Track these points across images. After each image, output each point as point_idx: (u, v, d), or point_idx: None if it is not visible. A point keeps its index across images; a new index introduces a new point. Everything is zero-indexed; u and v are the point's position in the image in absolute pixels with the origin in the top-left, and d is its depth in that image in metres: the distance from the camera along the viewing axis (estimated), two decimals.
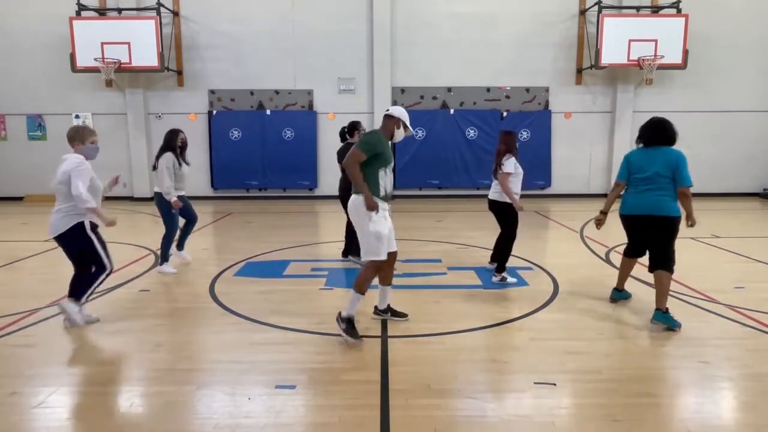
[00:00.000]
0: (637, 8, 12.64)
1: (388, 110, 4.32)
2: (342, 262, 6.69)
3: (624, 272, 5.01)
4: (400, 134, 4.30)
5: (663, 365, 3.78)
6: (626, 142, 12.69)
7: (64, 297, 4.53)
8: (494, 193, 5.74)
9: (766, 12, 12.96)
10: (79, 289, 4.43)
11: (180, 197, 6.19)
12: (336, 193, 6.76)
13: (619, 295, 5.02)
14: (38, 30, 12.82)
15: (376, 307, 4.58)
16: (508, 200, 5.59)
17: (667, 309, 4.41)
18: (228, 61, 13.11)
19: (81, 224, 4.31)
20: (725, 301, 5.01)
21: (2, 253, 7.31)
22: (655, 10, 12.64)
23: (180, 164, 6.19)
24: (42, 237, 8.17)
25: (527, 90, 13.30)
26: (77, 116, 13.08)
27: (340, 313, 4.19)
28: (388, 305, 4.54)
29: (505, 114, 13.21)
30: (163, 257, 6.22)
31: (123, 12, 12.52)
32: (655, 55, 12.06)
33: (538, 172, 13.23)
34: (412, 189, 13.46)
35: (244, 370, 3.63)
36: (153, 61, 12.16)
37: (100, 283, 4.51)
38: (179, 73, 13.10)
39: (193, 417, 3.07)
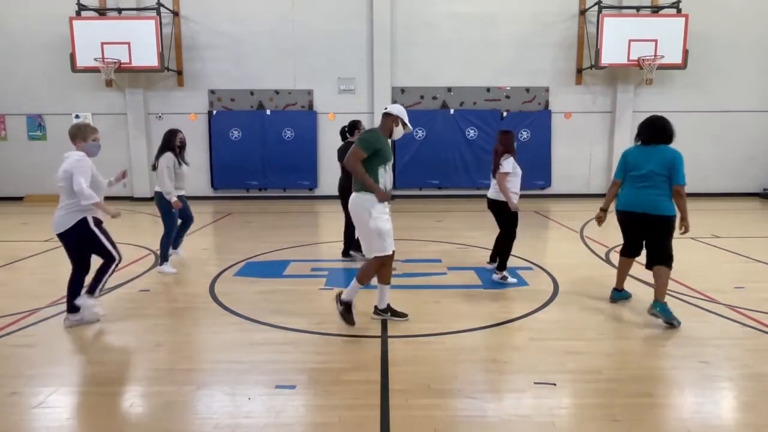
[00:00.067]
0: (637, 8, 12.64)
1: (386, 108, 4.41)
2: (342, 262, 6.69)
3: (622, 272, 5.02)
4: (399, 132, 4.38)
5: (663, 365, 3.77)
6: (626, 142, 12.67)
7: (63, 297, 4.53)
8: (493, 192, 5.75)
9: (766, 12, 12.96)
10: (93, 284, 4.53)
11: (179, 197, 6.20)
12: (336, 193, 6.78)
13: (619, 295, 5.02)
14: (38, 30, 12.82)
15: (376, 307, 4.58)
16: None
17: (664, 301, 4.45)
18: (228, 61, 13.10)
19: (84, 220, 4.35)
20: (725, 301, 5.01)
21: (2, 253, 7.31)
22: (655, 10, 12.64)
23: (180, 164, 6.20)
24: (42, 237, 8.17)
25: (527, 90, 13.30)
26: (77, 116, 13.08)
27: (339, 294, 4.37)
28: (388, 305, 4.54)
29: (505, 114, 13.21)
30: (163, 257, 6.22)
31: (123, 12, 12.51)
32: (655, 55, 12.06)
33: (538, 172, 13.23)
34: (412, 189, 13.46)
35: (244, 370, 3.63)
36: (153, 61, 12.16)
37: (111, 274, 4.58)
38: (179, 73, 13.10)
39: (193, 417, 3.07)
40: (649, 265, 4.59)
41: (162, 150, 6.13)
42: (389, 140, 4.42)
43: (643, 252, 4.80)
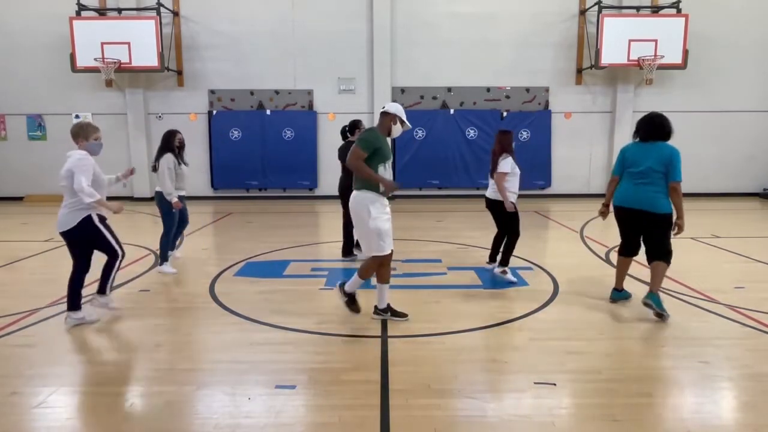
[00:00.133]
0: (637, 8, 12.63)
1: (384, 107, 4.46)
2: (342, 262, 6.69)
3: (621, 272, 5.02)
4: (397, 130, 4.42)
5: (663, 365, 3.77)
6: (626, 142, 12.45)
7: (63, 297, 4.53)
8: (491, 191, 5.78)
9: (766, 12, 12.96)
10: (101, 284, 4.62)
11: (179, 198, 6.21)
12: (336, 193, 6.78)
13: (618, 295, 5.03)
14: (38, 30, 12.81)
15: (375, 307, 4.58)
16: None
17: (658, 293, 4.54)
18: (228, 61, 13.10)
19: (89, 217, 4.39)
20: (725, 301, 5.01)
21: (2, 253, 7.31)
22: (655, 10, 12.64)
23: (179, 164, 6.21)
24: (42, 237, 8.18)
25: (527, 90, 13.30)
26: (77, 116, 13.07)
27: (342, 284, 4.51)
28: (388, 305, 4.54)
29: (505, 114, 13.21)
30: (163, 257, 6.22)
31: (123, 12, 12.51)
32: (655, 55, 12.06)
33: (538, 172, 13.23)
34: (412, 189, 13.46)
35: (244, 370, 3.63)
36: (153, 61, 12.15)
37: (117, 270, 4.63)
38: (179, 73, 13.10)
39: (193, 417, 3.07)
40: (648, 261, 4.65)
41: (162, 151, 6.14)
42: (389, 139, 4.46)
43: (643, 252, 4.81)
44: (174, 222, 6.26)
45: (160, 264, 6.23)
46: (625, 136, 12.85)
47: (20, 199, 13.36)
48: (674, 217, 4.53)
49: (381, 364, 3.68)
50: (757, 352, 3.89)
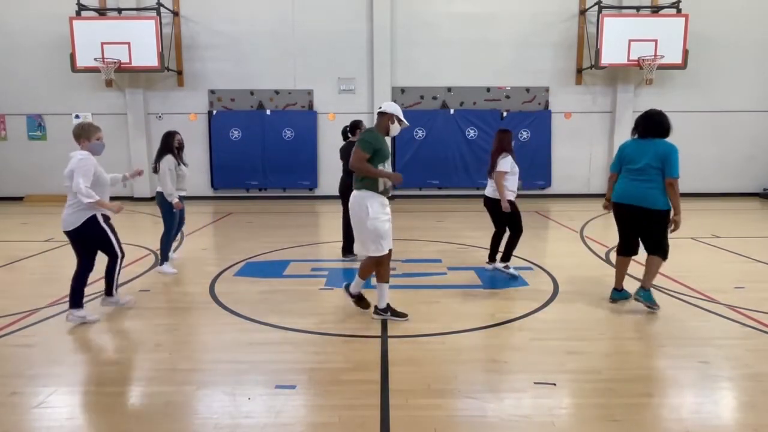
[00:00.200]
0: (637, 8, 12.63)
1: (380, 107, 4.48)
2: (342, 262, 6.69)
3: (620, 272, 5.02)
4: (395, 129, 4.45)
5: (663, 365, 3.77)
6: None
7: (63, 297, 4.53)
8: (490, 190, 5.83)
9: (766, 12, 12.96)
10: (107, 286, 4.74)
11: (179, 198, 6.22)
12: (336, 193, 6.78)
13: (618, 295, 5.02)
14: (38, 30, 12.81)
15: (375, 307, 4.59)
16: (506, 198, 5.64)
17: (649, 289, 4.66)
18: (228, 61, 13.10)
19: (94, 217, 4.42)
20: (725, 301, 5.01)
21: (2, 253, 7.30)
22: (655, 10, 12.64)
23: (179, 165, 6.23)
24: (42, 237, 8.17)
25: (527, 90, 13.30)
26: (77, 116, 13.08)
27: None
28: (388, 305, 4.55)
29: (505, 114, 13.21)
30: (163, 257, 6.23)
31: (123, 12, 12.51)
32: (655, 55, 12.06)
33: (538, 172, 13.23)
34: (412, 189, 13.45)
35: (244, 370, 3.64)
36: (153, 61, 12.15)
37: (119, 270, 4.72)
38: (179, 73, 13.10)
39: (193, 417, 3.07)
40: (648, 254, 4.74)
41: (162, 152, 6.14)
42: (387, 138, 4.48)
43: (642, 251, 4.82)
44: (175, 221, 6.28)
45: (161, 264, 6.24)
46: (625, 136, 12.71)
47: (20, 199, 13.36)
48: (672, 214, 4.55)
49: (381, 364, 3.68)
50: (757, 352, 3.89)
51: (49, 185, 12.67)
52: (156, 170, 6.14)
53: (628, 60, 12.21)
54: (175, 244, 6.86)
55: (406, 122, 4.50)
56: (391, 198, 4.51)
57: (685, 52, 12.26)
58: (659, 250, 4.64)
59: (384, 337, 4.19)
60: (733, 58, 13.07)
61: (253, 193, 13.66)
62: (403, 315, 4.55)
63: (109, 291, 4.76)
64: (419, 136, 13.21)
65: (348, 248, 6.72)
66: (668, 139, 4.56)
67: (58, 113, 13.14)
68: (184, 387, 3.39)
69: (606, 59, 12.26)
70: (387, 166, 4.40)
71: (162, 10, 12.44)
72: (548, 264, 6.48)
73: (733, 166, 13.47)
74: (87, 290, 4.60)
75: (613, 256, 6.81)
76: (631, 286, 5.23)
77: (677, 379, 3.52)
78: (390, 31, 12.84)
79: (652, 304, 4.68)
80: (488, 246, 6.23)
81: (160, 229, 6.29)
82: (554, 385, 3.37)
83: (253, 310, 4.82)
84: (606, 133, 13.45)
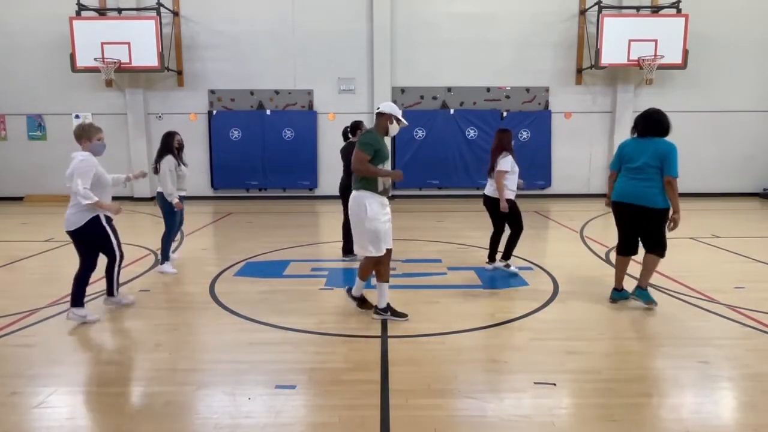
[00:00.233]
0: (637, 8, 12.63)
1: (378, 108, 4.49)
2: (342, 262, 6.69)
3: (620, 271, 5.03)
4: (394, 128, 4.47)
5: (663, 365, 3.77)
6: None
7: (63, 297, 4.54)
8: (490, 189, 5.86)
9: (766, 12, 12.96)
10: (108, 287, 4.80)
11: (180, 198, 6.22)
12: (336, 193, 6.78)
13: (618, 295, 5.03)
14: (38, 30, 12.81)
15: (376, 307, 4.59)
16: (506, 197, 5.65)
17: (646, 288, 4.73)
18: (228, 61, 13.10)
19: (97, 218, 4.44)
20: (725, 301, 5.01)
21: (2, 253, 7.30)
22: (655, 10, 12.64)
23: (179, 165, 6.23)
24: (42, 237, 8.16)
25: (527, 90, 13.30)
26: (77, 116, 13.08)
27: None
28: (388, 305, 4.55)
29: (505, 114, 13.21)
30: (164, 257, 6.23)
31: (123, 12, 12.51)
32: (655, 55, 12.06)
33: (538, 172, 13.23)
34: (412, 189, 13.45)
35: (244, 370, 3.64)
36: (153, 61, 12.15)
37: (119, 271, 4.76)
38: (179, 73, 13.10)
39: (193, 417, 3.07)
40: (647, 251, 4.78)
41: (162, 153, 6.14)
42: (387, 138, 4.51)
43: (642, 251, 4.82)
44: (176, 221, 6.29)
45: (161, 263, 6.24)
46: (624, 136, 12.58)
47: (20, 199, 13.34)
48: (671, 212, 4.56)
49: (381, 364, 3.68)
50: (757, 352, 3.89)
51: (49, 185, 12.65)
52: (156, 171, 6.14)
53: (628, 60, 12.21)
54: (174, 244, 6.86)
55: (404, 122, 4.50)
56: (390, 198, 4.52)
57: (685, 52, 12.26)
58: (657, 248, 4.66)
59: (384, 337, 4.19)
60: (733, 58, 13.07)
61: (253, 193, 13.66)
62: (403, 315, 4.55)
63: (110, 291, 4.80)
64: (419, 136, 13.21)
65: (348, 248, 6.72)
66: (668, 139, 4.57)
67: (58, 113, 13.14)
68: (184, 387, 3.39)
69: (606, 59, 12.26)
70: (386, 167, 4.43)
71: (162, 10, 12.44)
72: (548, 264, 6.48)
73: (732, 166, 13.47)
74: (88, 290, 4.60)
75: (612, 256, 6.81)
76: (631, 286, 5.23)
77: (677, 379, 3.52)
78: (390, 31, 12.84)
79: (649, 302, 4.73)
80: (488, 246, 6.23)
81: (161, 229, 6.29)
82: (554, 385, 3.38)
83: (253, 310, 4.82)
84: (606, 133, 13.45)
